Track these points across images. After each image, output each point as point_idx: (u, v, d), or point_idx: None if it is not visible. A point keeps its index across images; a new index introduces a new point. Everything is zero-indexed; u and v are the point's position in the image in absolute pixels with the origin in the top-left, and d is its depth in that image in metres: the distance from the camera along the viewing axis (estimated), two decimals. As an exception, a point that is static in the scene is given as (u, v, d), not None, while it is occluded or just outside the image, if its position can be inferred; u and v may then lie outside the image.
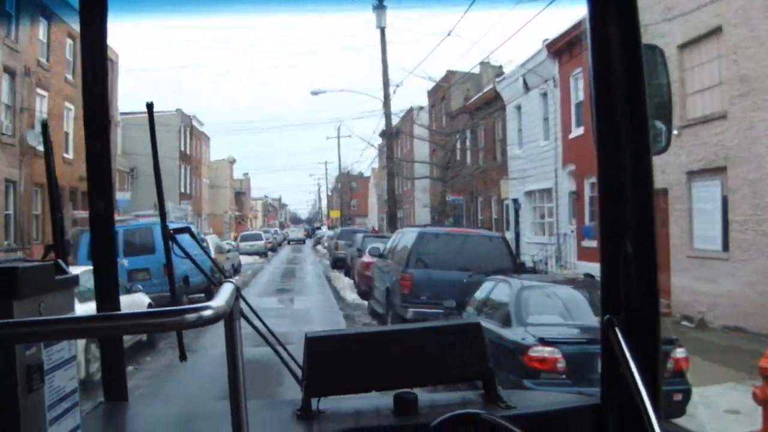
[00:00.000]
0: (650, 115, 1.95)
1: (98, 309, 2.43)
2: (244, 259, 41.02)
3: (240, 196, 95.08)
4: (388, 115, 33.03)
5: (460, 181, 38.62)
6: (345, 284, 27.55)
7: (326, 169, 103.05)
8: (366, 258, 22.35)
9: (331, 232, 62.33)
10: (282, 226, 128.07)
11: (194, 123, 61.85)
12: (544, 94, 28.56)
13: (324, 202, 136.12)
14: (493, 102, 34.21)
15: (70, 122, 30.76)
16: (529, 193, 30.64)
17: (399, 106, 53.33)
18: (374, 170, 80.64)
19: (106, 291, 2.44)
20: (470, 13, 20.77)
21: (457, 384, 3.55)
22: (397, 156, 58.37)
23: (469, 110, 37.63)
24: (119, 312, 1.29)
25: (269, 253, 55.77)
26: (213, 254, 16.93)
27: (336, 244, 37.92)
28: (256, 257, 48.42)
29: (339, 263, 35.21)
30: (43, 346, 1.55)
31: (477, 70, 37.41)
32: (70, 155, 29.98)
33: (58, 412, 1.63)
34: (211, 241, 27.26)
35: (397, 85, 33.80)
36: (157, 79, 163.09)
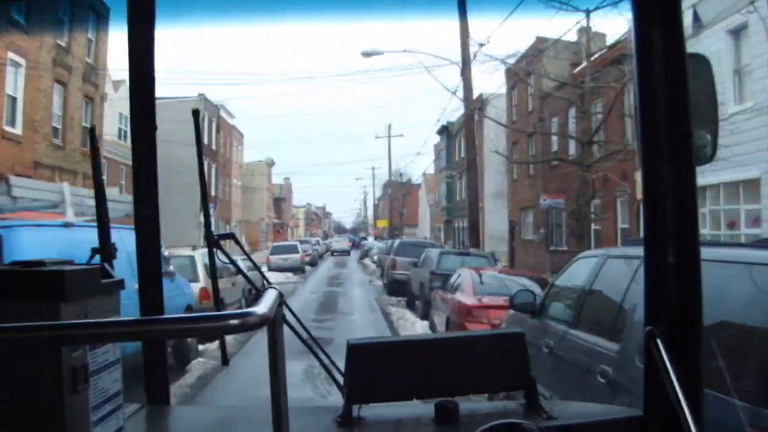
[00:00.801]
0: (696, 126, 1.94)
1: (142, 312, 2.47)
2: (276, 277, 31.45)
3: (279, 202, 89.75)
4: (467, 81, 25.45)
5: (555, 179, 31.85)
6: (414, 325, 18.49)
7: (373, 174, 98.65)
8: (467, 298, 13.10)
9: (380, 244, 58.11)
10: (326, 235, 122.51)
11: (222, 114, 54.48)
12: (737, 31, 18.37)
13: (370, 211, 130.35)
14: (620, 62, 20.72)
15: (19, 80, 22.87)
16: (706, 188, 19.34)
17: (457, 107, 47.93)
18: (426, 176, 77.40)
19: (150, 294, 2.48)
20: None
21: (500, 394, 3.53)
22: (456, 158, 54.90)
23: (579, 80, 24.49)
24: (163, 316, 1.31)
25: (307, 267, 47.09)
26: (200, 280, 15.42)
27: (394, 261, 28.62)
28: (290, 274, 39.61)
29: (397, 287, 26.67)
30: (88, 349, 1.58)
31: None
32: (17, 130, 22.63)
33: (102, 414, 1.66)
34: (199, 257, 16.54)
35: (481, 45, 24.97)
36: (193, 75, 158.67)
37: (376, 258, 49.45)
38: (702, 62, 2.01)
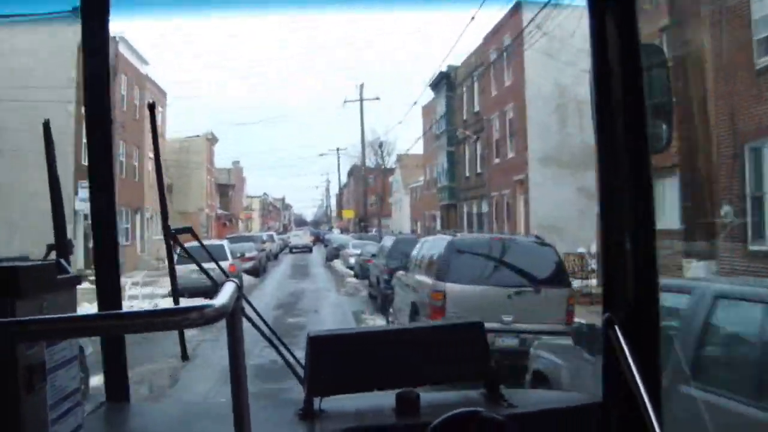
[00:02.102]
0: (651, 115, 1.97)
1: (99, 308, 2.44)
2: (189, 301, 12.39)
3: (227, 190, 72.42)
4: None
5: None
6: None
7: (338, 156, 79.30)
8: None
9: (353, 239, 43.11)
10: (285, 229, 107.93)
11: (126, 52, 35.78)
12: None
13: (334, 202, 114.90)
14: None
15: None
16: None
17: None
18: (402, 158, 63.01)
19: (108, 289, 2.45)
20: None
21: (459, 383, 3.56)
22: (464, 116, 42.48)
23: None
24: (121, 311, 1.30)
25: (248, 279, 28.73)
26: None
27: (389, 272, 19.15)
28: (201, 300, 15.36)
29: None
30: (45, 346, 1.55)
31: None
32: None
33: (60, 412, 1.64)
34: None
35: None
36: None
37: (353, 262, 33.39)
38: (656, 51, 2.03)
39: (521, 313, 11.02)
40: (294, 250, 62.36)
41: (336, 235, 59.73)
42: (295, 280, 32.63)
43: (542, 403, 2.40)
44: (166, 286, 21.18)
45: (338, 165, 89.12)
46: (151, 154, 43.54)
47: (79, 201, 24.09)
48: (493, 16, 31.00)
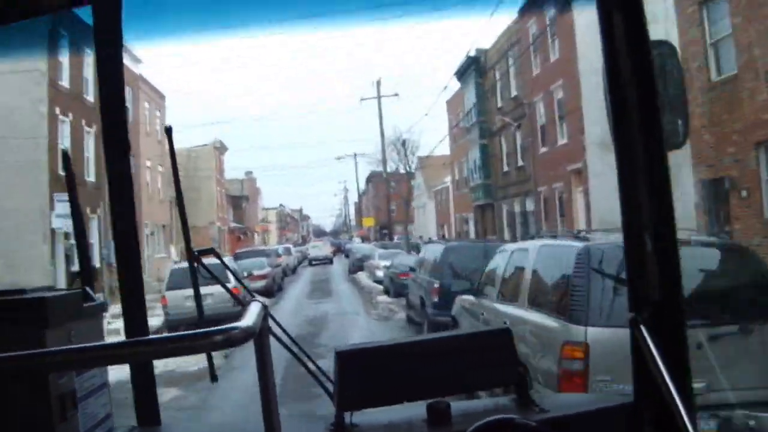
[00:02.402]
0: (665, 111, 1.96)
1: (126, 334, 2.45)
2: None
3: (240, 202, 68.78)
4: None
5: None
6: None
7: (356, 162, 71.97)
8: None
9: (379, 249, 38.20)
10: (304, 240, 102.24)
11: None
12: None
13: (353, 210, 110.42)
14: None
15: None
16: None
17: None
18: (423, 160, 55.68)
19: (134, 315, 2.46)
20: None
21: (491, 390, 3.55)
22: (498, 103, 37.67)
23: None
24: (148, 337, 1.31)
25: (273, 293, 29.74)
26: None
27: (440, 294, 14.99)
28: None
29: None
30: (75, 374, 1.56)
31: None
32: None
33: None
34: None
35: None
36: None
37: (381, 275, 28.98)
38: (668, 48, 2.03)
39: (723, 370, 5.75)
40: (314, 263, 58.31)
41: (358, 245, 55.08)
42: (316, 300, 27.29)
43: (573, 407, 2.39)
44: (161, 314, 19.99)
45: (356, 170, 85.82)
46: (149, 163, 39.39)
47: (56, 218, 21.25)
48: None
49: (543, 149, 31.63)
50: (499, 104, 37.87)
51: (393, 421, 2.26)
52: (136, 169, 32.57)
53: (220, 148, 58.74)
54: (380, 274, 29.51)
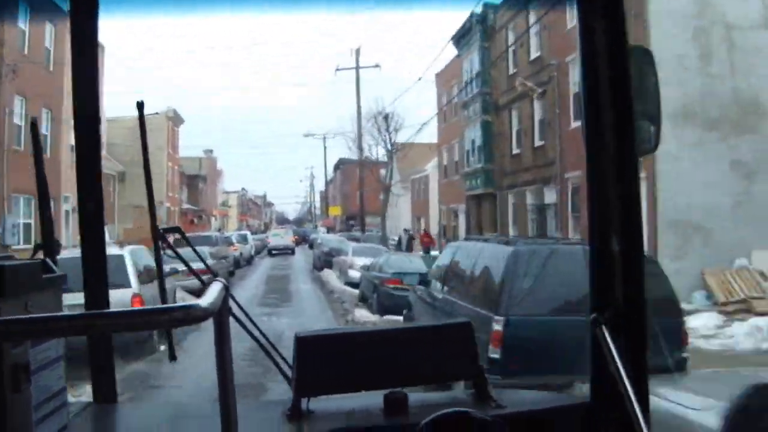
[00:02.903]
0: (639, 116, 1.98)
1: (87, 307, 2.43)
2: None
3: (195, 181, 62.87)
4: None
5: None
6: None
7: (325, 144, 66.19)
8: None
9: (353, 243, 32.72)
10: (266, 228, 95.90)
11: None
12: None
13: (317, 198, 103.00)
14: None
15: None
16: None
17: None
18: (399, 147, 45.97)
19: (95, 289, 2.44)
20: None
21: (449, 383, 3.57)
22: (508, 72, 31.34)
23: None
24: (107, 310, 1.29)
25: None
26: None
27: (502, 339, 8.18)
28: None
29: None
30: (29, 346, 1.54)
31: None
32: None
33: (45, 412, 1.63)
34: None
35: None
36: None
37: (356, 277, 23.34)
38: (645, 54, 2.05)
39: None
40: (273, 252, 52.24)
41: (324, 236, 48.09)
42: (269, 307, 19.69)
43: (531, 404, 2.41)
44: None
45: (324, 154, 71.18)
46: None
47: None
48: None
49: (575, 124, 23.25)
50: (511, 70, 31.44)
51: (350, 409, 2.27)
52: (52, 128, 26.61)
53: (175, 119, 52.34)
54: (355, 275, 23.62)
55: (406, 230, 42.95)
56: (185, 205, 57.81)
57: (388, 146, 45.73)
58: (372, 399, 2.26)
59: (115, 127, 38.70)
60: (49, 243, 2.04)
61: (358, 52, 43.66)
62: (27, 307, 1.54)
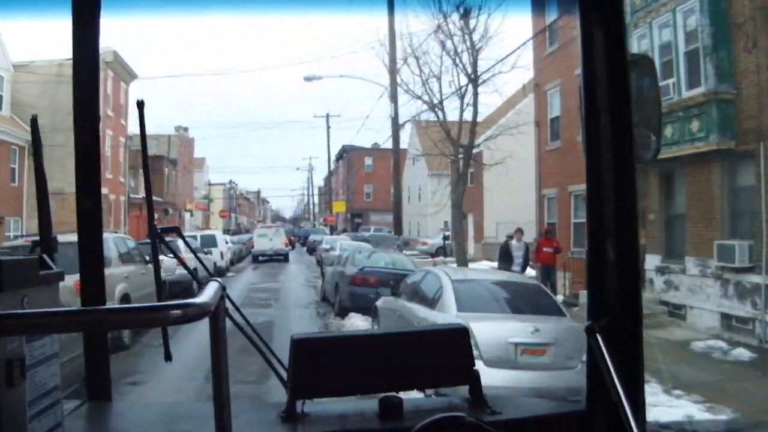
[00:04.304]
0: (639, 125, 1.99)
1: (83, 303, 2.43)
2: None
3: (160, 164, 47.49)
4: None
5: None
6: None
7: (328, 124, 53.97)
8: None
9: (380, 250, 22.46)
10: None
11: None
12: None
13: (314, 192, 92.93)
14: None
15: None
16: None
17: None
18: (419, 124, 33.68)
19: (93, 286, 2.44)
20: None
21: (445, 388, 3.57)
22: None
23: None
24: (103, 307, 1.29)
25: None
26: None
27: None
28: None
29: None
30: (25, 341, 1.54)
31: None
32: None
33: (38, 408, 1.63)
34: None
35: None
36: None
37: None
38: (645, 62, 2.06)
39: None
40: (260, 259, 40.59)
41: (335, 239, 34.49)
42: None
43: (526, 410, 2.41)
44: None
45: (328, 136, 61.29)
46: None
47: None
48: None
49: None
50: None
51: (345, 412, 2.27)
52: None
53: (119, 69, 37.05)
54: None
55: (510, 236, 20.29)
56: (133, 195, 41.69)
57: (468, 72, 24.41)
58: (367, 403, 2.27)
59: (25, 78, 29.40)
60: (47, 239, 2.04)
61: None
62: (23, 302, 1.54)
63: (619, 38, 1.98)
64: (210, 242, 30.72)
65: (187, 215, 58.17)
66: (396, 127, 29.26)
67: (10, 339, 1.48)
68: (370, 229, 48.58)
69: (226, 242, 35.71)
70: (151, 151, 42.79)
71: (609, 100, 1.97)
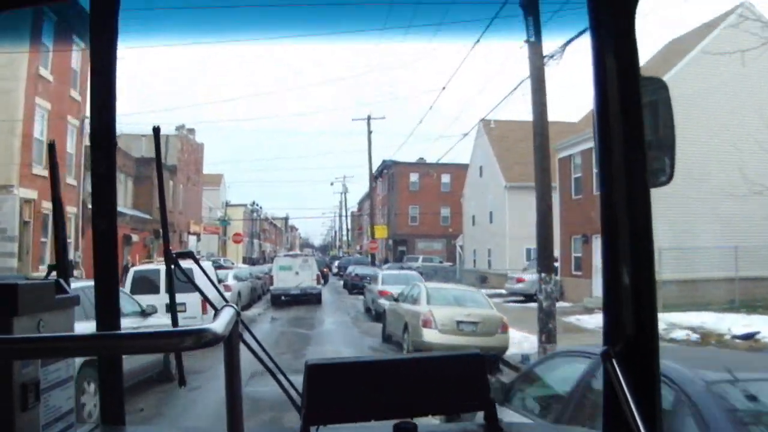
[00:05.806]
0: (653, 148, 1.98)
1: (98, 328, 2.44)
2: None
3: (147, 170, 35.60)
4: None
5: None
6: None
7: (369, 130, 47.51)
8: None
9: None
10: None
11: None
12: None
13: (346, 216, 77.82)
14: None
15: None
16: None
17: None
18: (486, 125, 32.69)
19: (107, 310, 2.45)
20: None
21: (460, 415, 3.54)
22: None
23: None
24: (118, 332, 1.29)
25: None
26: None
27: None
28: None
29: None
30: (40, 365, 1.55)
31: None
32: None
33: None
34: None
35: None
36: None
37: None
38: (659, 85, 2.05)
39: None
40: (283, 299, 31.74)
41: (366, 270, 30.18)
42: None
43: None
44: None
45: (369, 148, 49.49)
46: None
47: None
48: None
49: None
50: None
51: None
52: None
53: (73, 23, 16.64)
54: None
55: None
56: (89, 207, 23.15)
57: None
58: (382, 429, 2.25)
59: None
60: (62, 264, 2.05)
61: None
62: (39, 326, 1.55)
63: (633, 59, 1.98)
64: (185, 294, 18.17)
65: (192, 239, 48.45)
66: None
67: (26, 363, 1.48)
68: (418, 259, 42.20)
69: (236, 281, 27.32)
70: (140, 152, 36.57)
71: (622, 123, 1.96)
